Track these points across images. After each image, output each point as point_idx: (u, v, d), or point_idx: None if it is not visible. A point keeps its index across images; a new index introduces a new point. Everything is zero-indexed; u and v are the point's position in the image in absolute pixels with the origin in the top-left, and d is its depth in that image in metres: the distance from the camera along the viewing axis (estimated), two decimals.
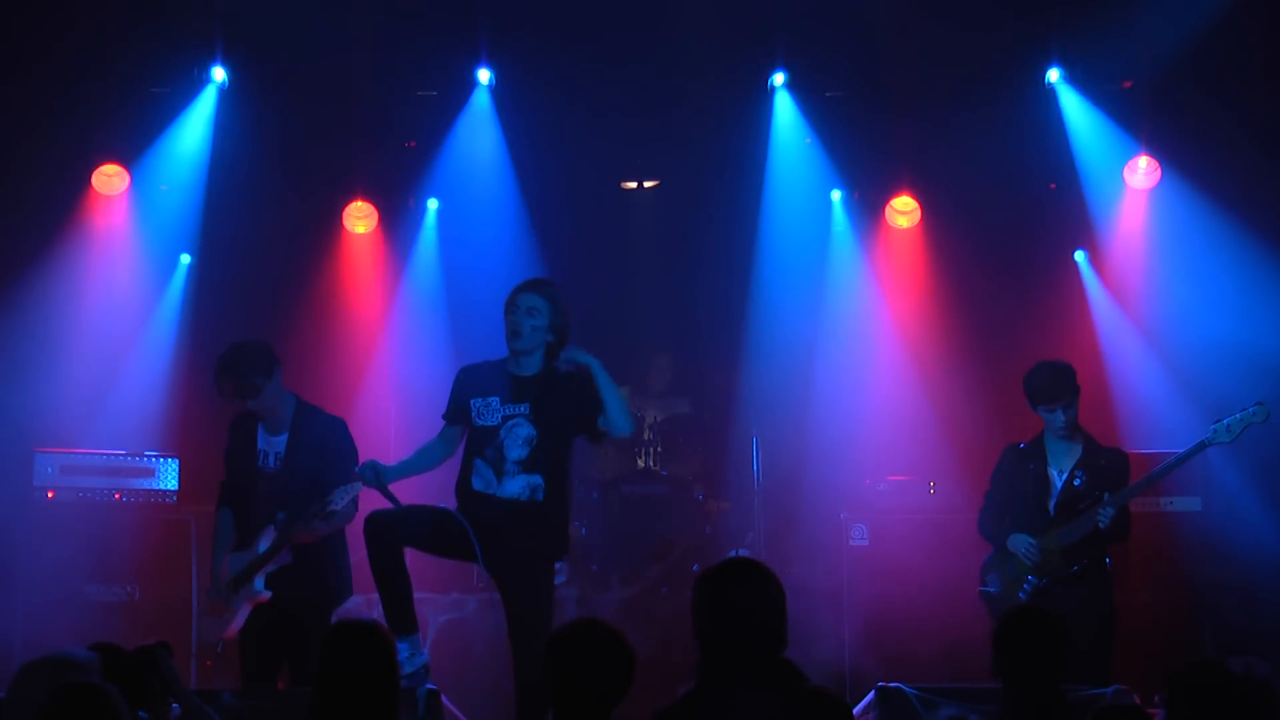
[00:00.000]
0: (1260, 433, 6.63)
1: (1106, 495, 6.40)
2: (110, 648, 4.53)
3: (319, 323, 9.13)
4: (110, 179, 8.75)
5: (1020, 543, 6.50)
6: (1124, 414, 8.57)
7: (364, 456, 6.62)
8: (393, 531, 5.94)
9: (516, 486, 5.98)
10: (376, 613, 7.83)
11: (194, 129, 8.64)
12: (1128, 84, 8.70)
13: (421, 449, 6.28)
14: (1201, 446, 6.41)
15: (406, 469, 6.20)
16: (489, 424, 6.02)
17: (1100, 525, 6.35)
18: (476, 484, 6.01)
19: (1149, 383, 8.64)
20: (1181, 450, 6.51)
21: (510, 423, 5.99)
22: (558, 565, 6.36)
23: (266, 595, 6.23)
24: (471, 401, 6.07)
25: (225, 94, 8.56)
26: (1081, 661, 5.96)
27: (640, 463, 8.84)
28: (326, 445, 6.40)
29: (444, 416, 6.21)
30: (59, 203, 8.66)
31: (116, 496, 7.91)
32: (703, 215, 9.46)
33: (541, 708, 4.74)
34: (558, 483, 6.03)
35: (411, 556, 8.43)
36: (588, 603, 8.01)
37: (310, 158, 8.93)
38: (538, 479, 5.97)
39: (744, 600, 3.81)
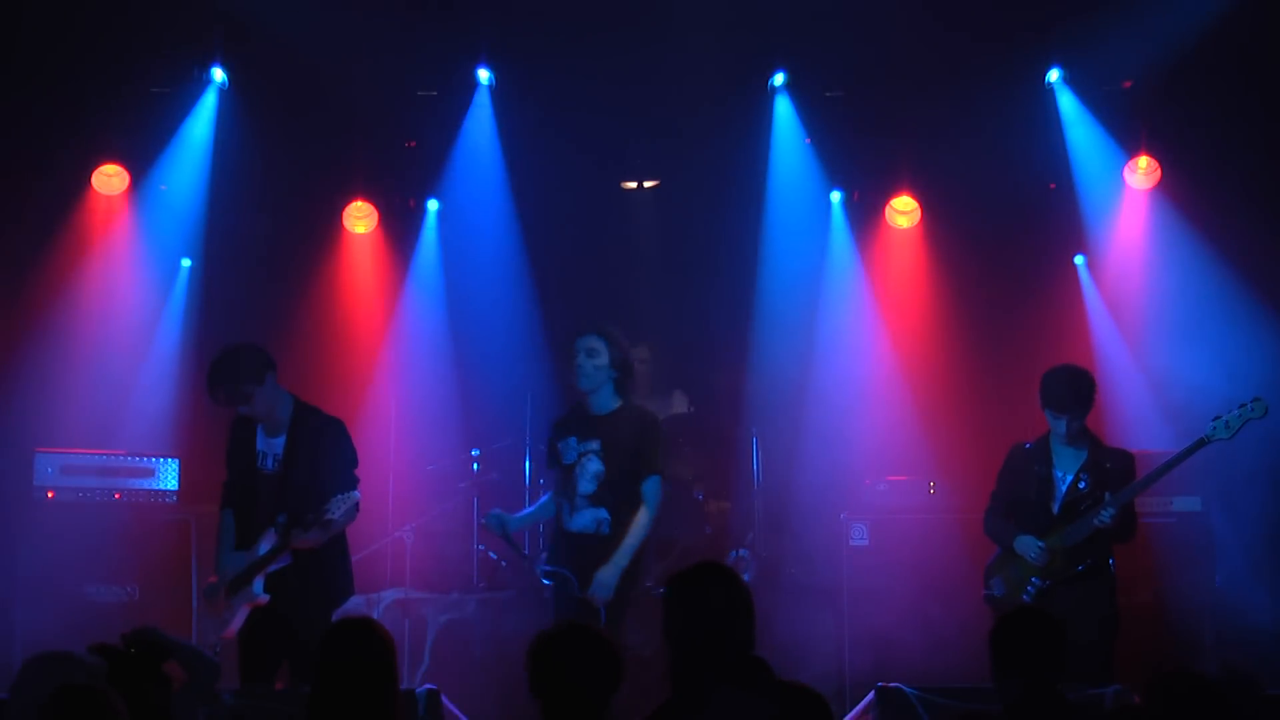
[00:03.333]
0: (1261, 432, 6.63)
1: (1107, 495, 6.40)
2: (108, 649, 4.50)
3: (319, 323, 9.12)
4: (110, 179, 8.76)
5: (1029, 546, 6.48)
6: (1123, 414, 8.56)
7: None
8: None
9: (584, 520, 6.36)
10: (376, 613, 7.86)
11: (194, 129, 8.63)
12: (1128, 84, 8.70)
13: (541, 502, 6.66)
14: (1201, 443, 6.38)
15: (530, 519, 6.70)
16: (568, 461, 6.44)
17: (1100, 525, 6.35)
18: (561, 522, 6.44)
19: (1149, 382, 8.64)
20: (1181, 448, 6.49)
21: (583, 459, 6.39)
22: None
23: (264, 599, 6.20)
24: (558, 445, 6.50)
25: (225, 94, 8.56)
26: (1082, 662, 5.96)
27: None
28: (324, 446, 6.37)
29: (548, 467, 6.65)
30: (59, 203, 8.66)
31: (116, 496, 7.92)
32: (703, 215, 9.45)
33: None
34: (626, 516, 6.30)
35: (413, 556, 8.47)
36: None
37: (310, 158, 8.92)
38: (604, 513, 6.34)
39: (714, 602, 3.86)
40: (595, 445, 6.35)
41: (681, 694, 3.82)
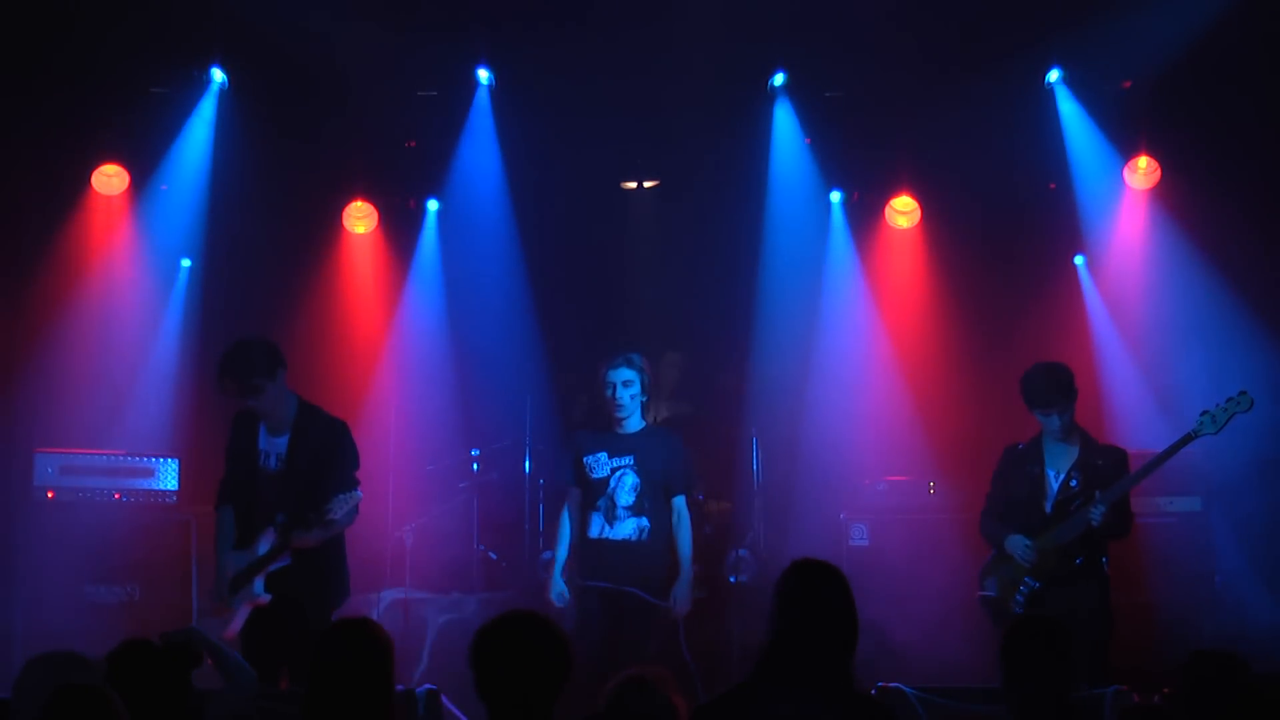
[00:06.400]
0: (1260, 430, 6.63)
1: (1098, 493, 6.40)
2: (142, 643, 4.47)
3: (319, 323, 9.12)
4: (110, 179, 8.76)
5: (1017, 545, 6.50)
6: (1121, 413, 8.57)
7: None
8: None
9: (628, 529, 6.79)
10: (376, 613, 7.85)
11: (194, 129, 8.63)
12: (1128, 84, 8.70)
13: (565, 524, 6.92)
14: (1188, 438, 6.37)
15: (567, 543, 6.91)
16: (600, 476, 6.83)
17: (1093, 523, 6.35)
18: (592, 532, 6.81)
19: (1148, 382, 8.64)
20: (1169, 443, 6.47)
21: (618, 473, 6.82)
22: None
23: (265, 599, 6.19)
24: (585, 460, 6.87)
25: (225, 94, 8.56)
26: (1079, 661, 5.94)
27: None
28: (328, 448, 6.36)
29: (567, 482, 6.98)
30: (59, 203, 8.66)
31: (116, 496, 7.92)
32: (703, 215, 9.46)
33: None
34: (662, 524, 6.82)
35: (413, 556, 8.46)
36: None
37: (310, 158, 8.91)
38: (645, 521, 6.79)
39: (839, 603, 3.85)
40: (629, 461, 6.82)
41: (753, 687, 3.79)
